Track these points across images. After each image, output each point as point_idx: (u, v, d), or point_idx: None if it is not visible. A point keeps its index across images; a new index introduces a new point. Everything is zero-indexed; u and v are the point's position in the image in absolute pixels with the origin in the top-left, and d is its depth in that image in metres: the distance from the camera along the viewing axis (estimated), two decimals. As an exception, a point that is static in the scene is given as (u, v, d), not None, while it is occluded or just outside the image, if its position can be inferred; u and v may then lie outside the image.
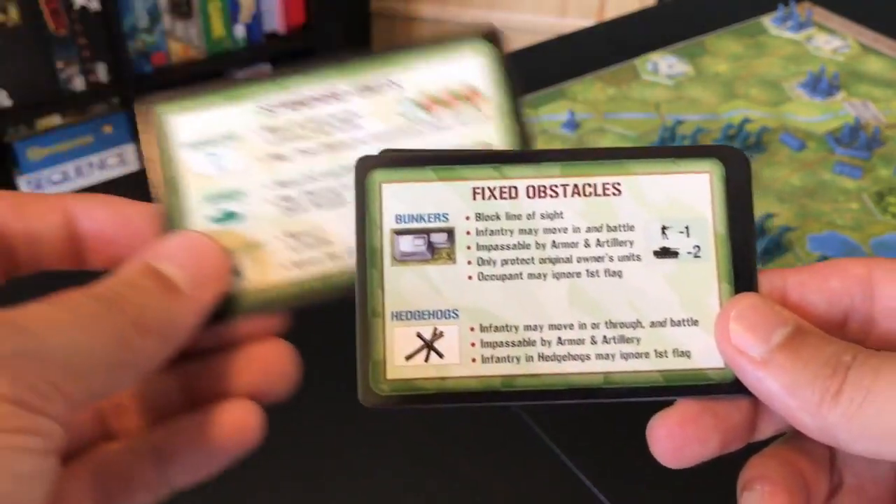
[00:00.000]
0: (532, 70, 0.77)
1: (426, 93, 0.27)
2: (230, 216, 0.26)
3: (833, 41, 0.79)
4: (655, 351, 0.25)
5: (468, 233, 0.25)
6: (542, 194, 0.25)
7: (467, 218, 0.25)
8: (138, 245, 0.25)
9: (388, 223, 0.25)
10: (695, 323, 0.25)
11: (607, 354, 0.25)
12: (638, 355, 0.25)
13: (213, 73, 1.57)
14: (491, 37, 0.27)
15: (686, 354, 0.25)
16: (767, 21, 0.82)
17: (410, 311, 0.25)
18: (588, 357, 0.25)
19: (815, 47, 0.78)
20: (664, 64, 0.76)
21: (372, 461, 0.46)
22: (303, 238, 0.26)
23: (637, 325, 0.25)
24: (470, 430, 0.47)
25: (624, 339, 0.25)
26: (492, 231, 0.25)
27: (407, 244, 0.25)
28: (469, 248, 0.25)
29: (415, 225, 0.25)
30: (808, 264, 0.25)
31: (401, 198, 0.25)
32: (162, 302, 0.23)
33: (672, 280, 0.25)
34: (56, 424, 0.19)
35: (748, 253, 0.25)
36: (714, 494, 0.43)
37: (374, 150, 0.26)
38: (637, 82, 0.74)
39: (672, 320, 0.25)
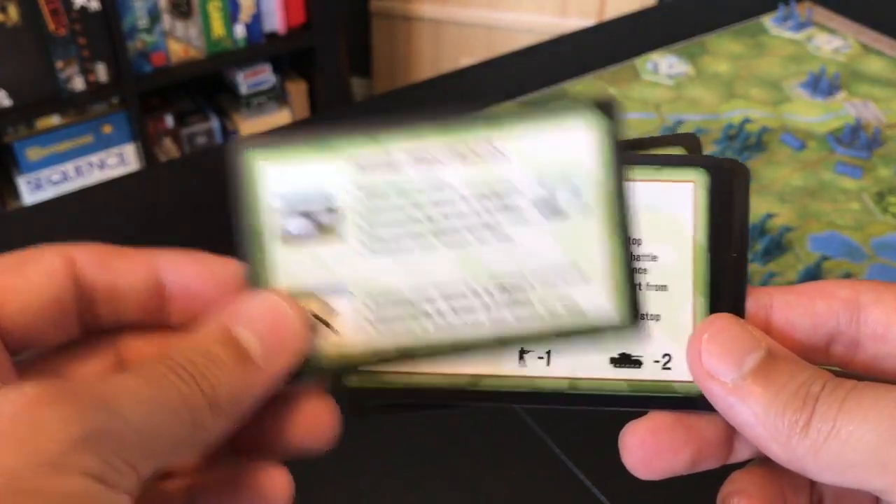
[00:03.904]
0: (532, 70, 0.77)
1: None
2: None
3: (833, 41, 0.79)
4: (548, 311, 0.25)
5: (354, 209, 0.25)
6: (427, 163, 0.25)
7: (352, 194, 0.25)
8: (224, 301, 0.24)
9: (272, 204, 0.25)
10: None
11: (500, 319, 0.25)
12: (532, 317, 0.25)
13: (213, 72, 1.57)
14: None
15: (581, 311, 0.25)
16: (768, 21, 0.82)
17: (302, 292, 0.25)
18: (483, 324, 0.25)
19: (815, 47, 0.78)
20: (664, 64, 0.76)
21: (372, 461, 0.46)
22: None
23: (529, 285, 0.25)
24: (470, 431, 0.47)
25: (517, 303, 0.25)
26: (378, 206, 0.25)
27: (293, 225, 0.25)
28: (356, 224, 0.25)
29: (299, 205, 0.25)
30: (797, 284, 0.25)
31: (283, 178, 0.25)
32: (235, 377, 0.23)
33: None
34: (129, 500, 0.20)
35: (733, 266, 0.25)
36: (714, 495, 0.43)
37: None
38: (637, 82, 0.74)
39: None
